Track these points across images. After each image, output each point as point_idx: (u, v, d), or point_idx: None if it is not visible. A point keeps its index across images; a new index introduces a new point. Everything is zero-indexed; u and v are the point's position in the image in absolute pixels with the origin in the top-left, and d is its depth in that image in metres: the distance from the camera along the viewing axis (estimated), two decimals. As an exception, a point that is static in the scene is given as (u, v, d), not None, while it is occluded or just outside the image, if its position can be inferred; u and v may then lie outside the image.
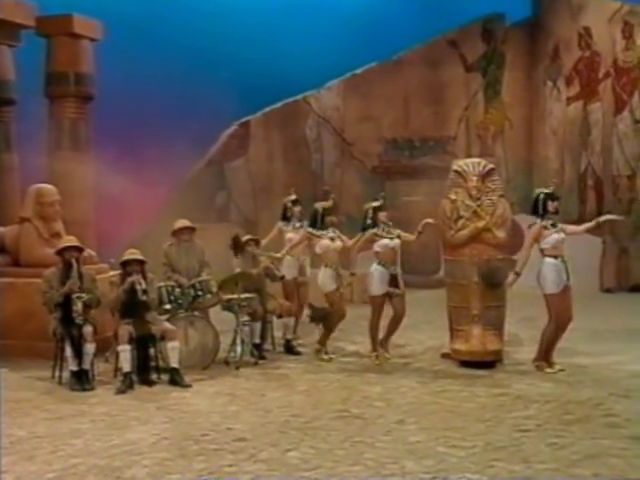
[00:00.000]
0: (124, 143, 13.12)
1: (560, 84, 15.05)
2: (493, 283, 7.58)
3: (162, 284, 7.89)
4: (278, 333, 8.78)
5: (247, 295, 8.12)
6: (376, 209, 8.14)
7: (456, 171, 8.09)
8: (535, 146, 15.60)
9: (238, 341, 7.95)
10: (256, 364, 8.02)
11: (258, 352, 8.28)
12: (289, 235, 8.93)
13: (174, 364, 7.26)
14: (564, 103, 14.99)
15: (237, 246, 8.56)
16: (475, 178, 7.98)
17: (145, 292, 7.19)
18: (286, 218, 9.11)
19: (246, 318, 8.14)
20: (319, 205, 8.33)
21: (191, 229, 8.34)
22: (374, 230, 8.02)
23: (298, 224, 8.99)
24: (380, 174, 14.99)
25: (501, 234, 7.88)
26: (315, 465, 5.13)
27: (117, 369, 7.34)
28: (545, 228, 7.43)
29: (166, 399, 6.79)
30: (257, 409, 6.47)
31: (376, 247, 8.02)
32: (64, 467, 5.14)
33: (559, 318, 7.40)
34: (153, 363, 7.42)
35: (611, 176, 14.05)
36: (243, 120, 14.74)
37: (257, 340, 8.37)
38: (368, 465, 5.11)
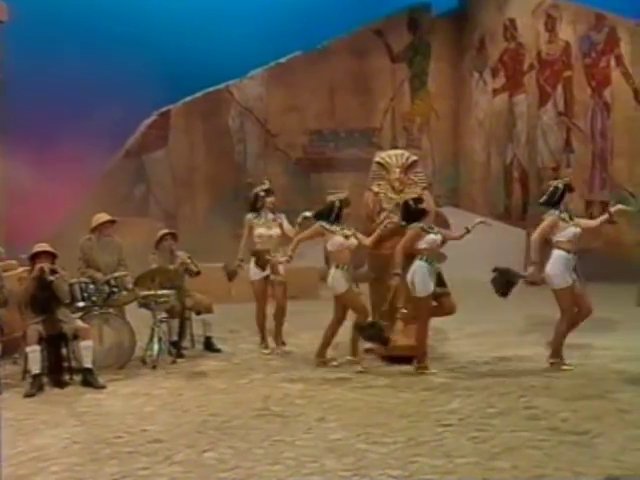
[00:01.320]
0: (38, 133, 12.81)
1: (486, 75, 15.36)
2: (505, 289, 7.42)
3: (75, 280, 7.71)
4: (198, 330, 8.68)
5: (164, 291, 8.01)
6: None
7: (378, 163, 8.13)
8: (461, 138, 15.92)
9: (155, 339, 7.86)
10: (174, 363, 7.94)
11: (176, 350, 8.19)
12: (260, 231, 8.28)
13: (87, 364, 7.13)
14: (490, 94, 15.32)
15: (229, 275, 8.43)
16: (398, 170, 8.03)
17: (54, 272, 6.96)
18: (255, 209, 8.35)
19: (164, 315, 8.05)
20: (335, 197, 7.69)
21: (112, 222, 8.18)
22: (420, 225, 7.38)
23: (271, 217, 8.34)
24: (305, 166, 15.08)
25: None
26: (233, 465, 5.10)
27: (26, 371, 7.15)
28: (563, 220, 7.31)
29: (78, 401, 6.66)
30: (174, 409, 6.40)
31: (423, 243, 7.42)
32: (-36, 476, 4.99)
33: (571, 312, 7.37)
34: (65, 364, 7.26)
35: (536, 168, 14.42)
36: (163, 110, 14.57)
37: (175, 338, 8.28)
38: (287, 464, 5.10)
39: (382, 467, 5.04)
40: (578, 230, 7.35)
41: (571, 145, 13.76)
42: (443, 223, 8.47)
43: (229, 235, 13.91)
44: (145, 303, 8.04)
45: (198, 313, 8.56)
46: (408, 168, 8.05)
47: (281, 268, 8.26)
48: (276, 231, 8.27)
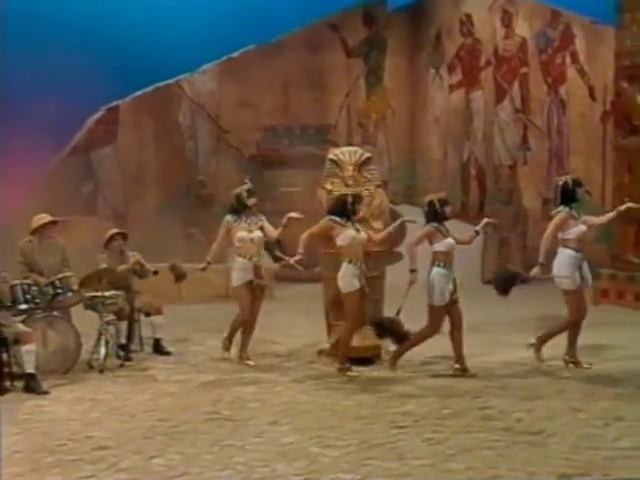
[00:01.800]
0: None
1: (442, 71, 15.46)
2: (506, 287, 7.42)
3: (17, 282, 7.60)
4: (147, 332, 8.61)
5: (112, 292, 7.94)
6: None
7: (332, 160, 8.15)
8: (418, 135, 16.00)
9: (102, 342, 7.79)
10: (122, 366, 7.89)
11: (124, 353, 8.13)
12: (241, 234, 7.93)
13: (30, 369, 7.04)
14: (446, 91, 15.42)
15: (177, 275, 8.36)
16: (351, 167, 8.09)
17: None
18: (235, 211, 8.00)
19: (111, 317, 7.98)
20: (347, 194, 7.58)
21: (54, 223, 8.07)
22: (436, 225, 7.26)
23: (254, 219, 8.01)
24: (258, 163, 14.96)
25: (379, 225, 7.96)
26: (181, 472, 5.10)
27: (-35, 377, 7.02)
28: (573, 217, 7.29)
29: (20, 408, 6.56)
30: (121, 414, 6.36)
31: (440, 247, 7.30)
32: None
33: (580, 313, 7.40)
34: (6, 369, 7.13)
35: (493, 166, 14.57)
36: (111, 105, 14.37)
37: (123, 340, 8.21)
38: (238, 469, 5.11)
39: (334, 471, 5.08)
40: (585, 228, 7.37)
41: (528, 142, 13.92)
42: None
43: (180, 234, 13.87)
44: (91, 305, 7.96)
45: (147, 315, 8.51)
46: (362, 165, 8.08)
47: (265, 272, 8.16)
48: (257, 234, 7.97)
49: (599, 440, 5.59)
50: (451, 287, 7.28)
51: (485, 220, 7.70)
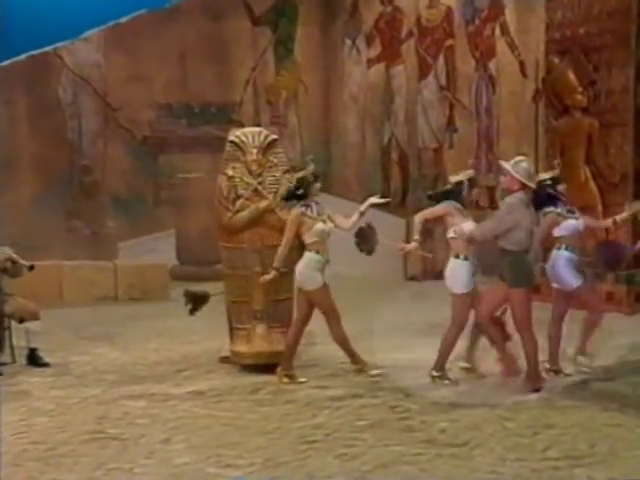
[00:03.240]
0: None
1: (360, 43, 15.59)
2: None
3: None
4: (20, 341, 8.39)
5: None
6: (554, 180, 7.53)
7: (233, 142, 8.07)
8: (333, 114, 16.12)
9: (-35, 354, 7.59)
10: (-10, 381, 7.70)
11: (-7, 366, 7.93)
12: (320, 227, 7.52)
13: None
14: (364, 65, 15.55)
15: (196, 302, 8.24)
16: (255, 151, 8.01)
17: None
18: (300, 199, 7.58)
19: (-24, 324, 7.79)
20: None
21: None
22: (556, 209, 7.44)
23: (320, 208, 7.64)
24: (153, 146, 14.85)
25: (286, 216, 7.94)
26: (58, 501, 4.99)
27: None
28: (560, 215, 7.51)
29: None
30: (-15, 438, 6.17)
31: (562, 230, 7.50)
32: None
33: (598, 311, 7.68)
34: None
35: (416, 149, 14.74)
36: (-23, 77, 13.97)
37: (-9, 351, 8.00)
38: (124, 495, 5.04)
39: (234, 494, 5.05)
40: (581, 223, 7.62)
41: (454, 123, 14.15)
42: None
43: (61, 227, 13.57)
44: (-47, 310, 7.75)
45: (21, 321, 8.31)
46: (267, 148, 8.02)
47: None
48: (330, 226, 7.63)
49: (527, 450, 5.70)
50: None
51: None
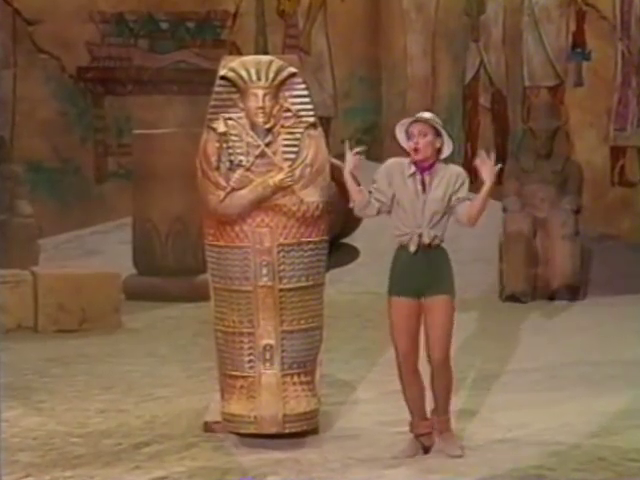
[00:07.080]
0: None
1: None
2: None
3: None
4: None
5: None
6: None
7: (226, 79, 6.50)
8: (385, 33, 12.61)
9: None
10: None
11: None
12: None
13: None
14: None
15: None
16: (262, 92, 6.46)
17: None
18: None
19: None
20: None
21: None
22: None
23: None
24: (94, 83, 11.68)
25: (312, 197, 6.41)
26: None
27: None
28: None
29: None
30: None
31: None
32: None
33: None
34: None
35: (521, 88, 11.54)
36: None
37: None
38: None
39: None
40: None
41: (585, 45, 11.01)
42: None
43: None
44: None
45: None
46: (280, 88, 6.42)
47: None
48: None
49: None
50: None
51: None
